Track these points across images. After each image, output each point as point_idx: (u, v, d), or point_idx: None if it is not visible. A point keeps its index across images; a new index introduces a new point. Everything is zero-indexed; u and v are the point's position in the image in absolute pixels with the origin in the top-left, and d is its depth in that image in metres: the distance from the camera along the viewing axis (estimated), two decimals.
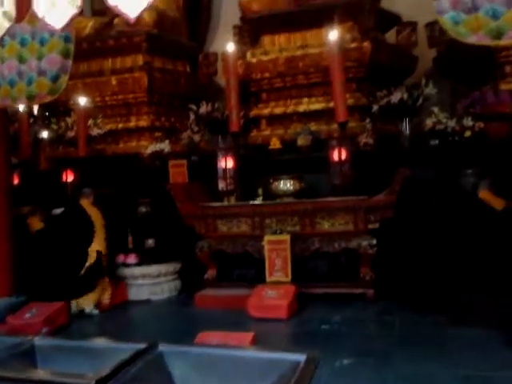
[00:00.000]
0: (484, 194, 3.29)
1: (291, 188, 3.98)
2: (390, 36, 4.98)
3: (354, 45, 4.40)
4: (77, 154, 4.90)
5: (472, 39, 2.41)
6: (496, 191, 3.25)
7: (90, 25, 5.58)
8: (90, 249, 3.78)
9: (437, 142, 3.90)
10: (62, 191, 4.72)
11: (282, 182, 3.99)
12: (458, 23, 2.35)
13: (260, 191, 4.09)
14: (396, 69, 4.78)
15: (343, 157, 3.71)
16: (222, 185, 4.23)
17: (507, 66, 3.89)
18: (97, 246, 3.80)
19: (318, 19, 4.62)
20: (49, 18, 2.63)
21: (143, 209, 4.38)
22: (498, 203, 3.23)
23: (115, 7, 2.47)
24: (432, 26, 4.67)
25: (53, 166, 5.15)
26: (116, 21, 5.59)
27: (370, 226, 3.60)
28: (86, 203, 3.97)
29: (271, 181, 4.08)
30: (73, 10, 2.66)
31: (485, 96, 3.72)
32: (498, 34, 2.28)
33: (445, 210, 3.54)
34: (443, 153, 3.86)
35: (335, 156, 3.75)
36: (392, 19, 4.89)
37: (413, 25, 4.74)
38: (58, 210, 4.23)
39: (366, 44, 4.36)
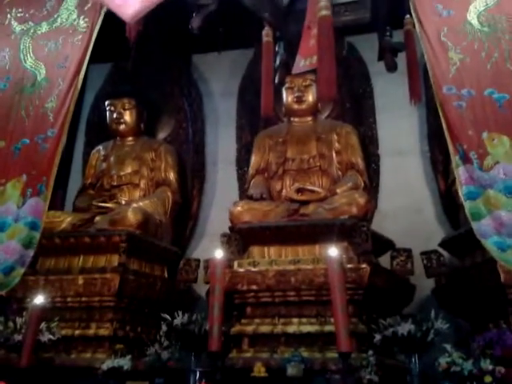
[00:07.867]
0: None
1: None
2: (383, 261, 4.77)
3: (350, 265, 4.12)
4: (18, 363, 4.00)
5: None
6: None
7: (68, 220, 5.25)
8: None
9: None
10: None
11: None
12: (503, 250, 2.08)
13: None
14: (393, 296, 4.45)
15: None
16: None
17: None
18: None
19: (311, 236, 4.43)
20: None
21: None
22: None
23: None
24: (428, 254, 4.52)
25: None
26: (97, 218, 5.31)
27: None
28: None
29: None
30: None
31: (503, 337, 3.29)
32: None
33: None
34: None
35: None
36: (385, 244, 4.75)
37: (407, 251, 4.57)
38: None
39: (365, 266, 4.09)
